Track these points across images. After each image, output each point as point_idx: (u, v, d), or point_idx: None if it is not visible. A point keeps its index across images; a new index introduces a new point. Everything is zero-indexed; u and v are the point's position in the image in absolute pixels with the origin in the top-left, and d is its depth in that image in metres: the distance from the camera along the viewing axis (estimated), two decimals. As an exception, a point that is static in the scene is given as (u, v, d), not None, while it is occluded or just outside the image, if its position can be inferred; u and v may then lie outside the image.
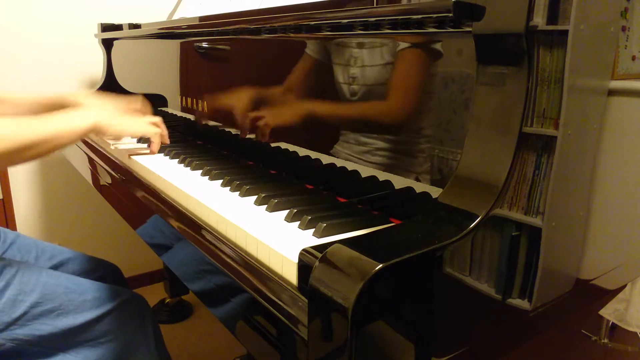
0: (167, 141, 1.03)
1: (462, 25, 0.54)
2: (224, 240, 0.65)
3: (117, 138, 1.12)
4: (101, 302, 0.90)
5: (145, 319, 0.97)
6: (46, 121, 0.82)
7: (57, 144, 0.82)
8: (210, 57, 1.09)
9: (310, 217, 0.62)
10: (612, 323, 1.27)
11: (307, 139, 0.82)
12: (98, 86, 1.69)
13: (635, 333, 1.28)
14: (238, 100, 0.99)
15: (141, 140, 1.19)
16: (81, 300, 0.88)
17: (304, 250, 0.51)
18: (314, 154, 0.80)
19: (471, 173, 0.51)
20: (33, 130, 0.79)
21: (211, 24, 1.03)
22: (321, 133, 0.80)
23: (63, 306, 0.86)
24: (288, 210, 0.66)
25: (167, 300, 1.85)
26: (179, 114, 1.23)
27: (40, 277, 0.86)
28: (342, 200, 0.73)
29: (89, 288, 0.91)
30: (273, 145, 0.89)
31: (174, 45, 1.22)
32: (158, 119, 1.02)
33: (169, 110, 1.29)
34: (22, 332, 0.82)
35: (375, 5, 0.67)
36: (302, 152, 0.82)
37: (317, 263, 0.45)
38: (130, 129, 0.96)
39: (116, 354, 0.90)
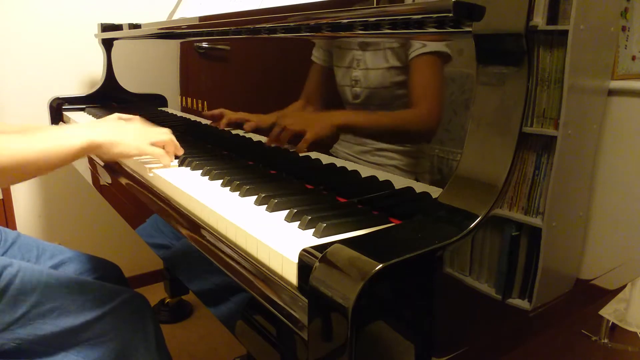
0: (180, 151, 0.97)
1: (462, 25, 0.54)
2: (223, 240, 0.65)
3: (120, 160, 1.01)
4: (102, 301, 0.90)
5: (145, 318, 0.97)
6: (34, 140, 0.75)
7: (47, 166, 0.76)
8: (210, 57, 1.09)
9: (310, 217, 0.62)
10: (612, 323, 1.27)
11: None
12: (98, 86, 1.69)
13: (635, 333, 1.28)
14: (238, 100, 0.99)
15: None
16: (82, 300, 0.88)
17: (304, 250, 0.51)
18: (314, 154, 0.80)
19: (471, 173, 0.51)
20: (21, 149, 0.73)
21: (211, 24, 1.03)
22: (322, 133, 0.80)
23: (64, 305, 0.86)
24: (288, 210, 0.66)
25: (167, 300, 1.85)
26: (179, 114, 1.23)
27: (41, 277, 0.86)
28: (342, 200, 0.73)
29: (89, 287, 0.91)
30: (273, 145, 0.89)
31: (174, 45, 1.22)
32: (167, 136, 0.93)
33: (169, 110, 1.29)
34: (23, 331, 0.82)
35: (375, 6, 0.67)
36: (302, 152, 0.82)
37: (317, 263, 0.45)
38: (135, 150, 0.87)
39: (117, 353, 0.90)
